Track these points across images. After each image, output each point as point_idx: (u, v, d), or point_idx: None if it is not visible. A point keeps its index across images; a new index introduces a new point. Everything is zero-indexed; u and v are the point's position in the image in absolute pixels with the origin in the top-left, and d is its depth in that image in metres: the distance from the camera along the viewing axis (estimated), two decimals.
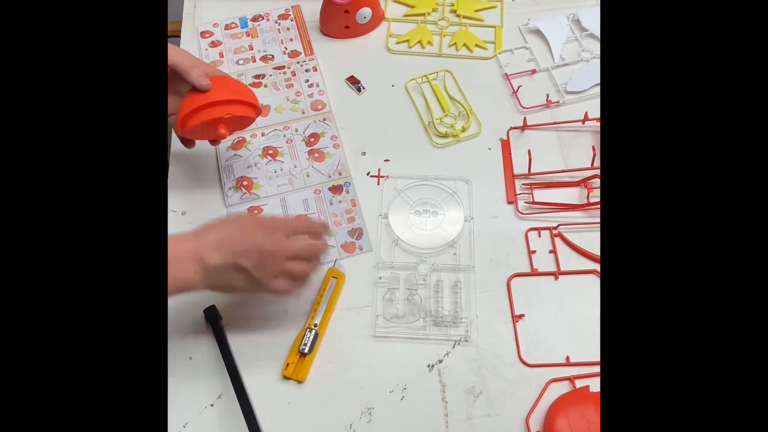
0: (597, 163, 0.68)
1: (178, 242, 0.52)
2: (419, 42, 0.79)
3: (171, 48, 0.58)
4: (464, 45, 0.78)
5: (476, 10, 0.81)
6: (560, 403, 0.55)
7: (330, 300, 0.61)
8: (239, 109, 0.60)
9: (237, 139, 0.72)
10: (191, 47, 0.80)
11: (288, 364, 0.58)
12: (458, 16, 0.81)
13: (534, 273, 0.63)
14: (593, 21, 0.79)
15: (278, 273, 0.53)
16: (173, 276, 0.51)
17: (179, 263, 0.51)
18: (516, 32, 0.80)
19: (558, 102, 0.73)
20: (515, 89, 0.73)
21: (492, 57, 0.78)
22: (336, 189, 0.69)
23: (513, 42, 0.79)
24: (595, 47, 0.78)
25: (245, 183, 0.68)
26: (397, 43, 0.79)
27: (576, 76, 0.75)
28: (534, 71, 0.76)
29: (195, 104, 0.59)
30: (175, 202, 0.68)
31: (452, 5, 0.82)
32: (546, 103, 0.73)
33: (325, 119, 0.73)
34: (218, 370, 0.58)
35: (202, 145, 0.72)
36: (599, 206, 0.65)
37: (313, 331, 0.59)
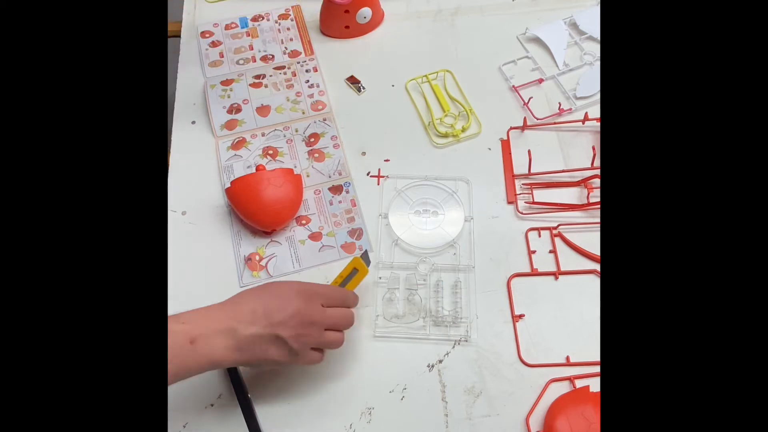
0: (597, 163, 0.68)
1: (207, 317, 0.48)
2: None
3: None
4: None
5: None
6: (560, 403, 0.55)
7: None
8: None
9: (237, 139, 0.72)
10: (191, 47, 0.80)
11: None
12: None
13: (534, 273, 0.63)
14: (590, 23, 0.79)
15: (316, 344, 0.52)
16: (201, 354, 0.47)
17: (208, 340, 0.47)
18: (515, 42, 0.79)
19: (570, 110, 0.73)
20: (526, 101, 0.73)
21: None
22: (336, 189, 0.69)
23: (514, 53, 0.78)
24: (597, 49, 0.77)
25: None
26: None
27: (583, 80, 0.75)
28: (541, 80, 0.76)
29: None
30: (175, 202, 0.68)
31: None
32: (558, 111, 0.72)
33: (325, 119, 0.73)
34: (218, 370, 0.58)
35: (202, 145, 0.72)
36: (599, 206, 0.65)
37: None
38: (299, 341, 0.50)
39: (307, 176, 0.69)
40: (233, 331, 0.48)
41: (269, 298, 0.50)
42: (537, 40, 0.79)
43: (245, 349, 0.49)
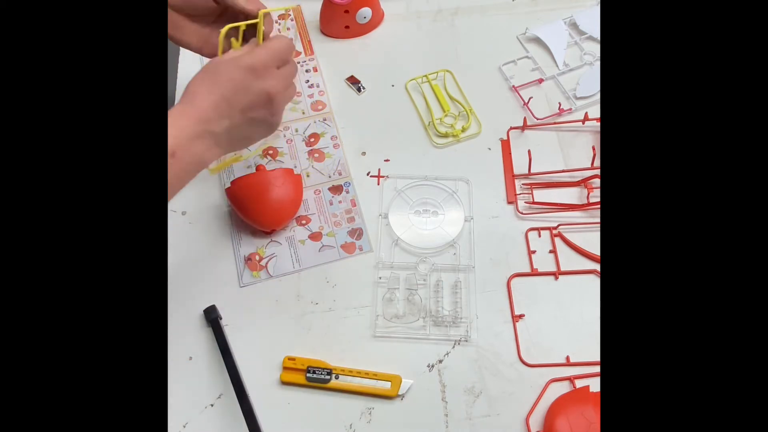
0: (597, 163, 0.68)
1: (174, 128, 0.46)
2: None
3: None
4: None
5: None
6: (560, 403, 0.55)
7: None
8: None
9: None
10: None
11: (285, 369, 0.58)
12: None
13: (534, 273, 0.63)
14: (590, 23, 0.79)
15: (284, 105, 0.53)
16: (186, 163, 0.46)
17: (186, 149, 0.46)
18: (515, 42, 0.79)
19: (570, 109, 0.73)
20: (526, 101, 0.73)
21: None
22: (336, 189, 0.69)
23: (514, 53, 0.78)
24: (597, 49, 0.77)
25: None
26: None
27: (582, 80, 0.75)
28: (541, 80, 0.75)
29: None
30: (175, 202, 0.67)
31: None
32: (558, 111, 0.72)
33: (325, 119, 0.73)
34: (218, 370, 0.58)
35: None
36: (599, 206, 0.65)
37: None
38: (275, 113, 0.51)
39: (307, 176, 0.69)
40: (207, 132, 0.47)
41: (224, 85, 0.48)
42: (537, 40, 0.79)
43: (226, 142, 0.49)
